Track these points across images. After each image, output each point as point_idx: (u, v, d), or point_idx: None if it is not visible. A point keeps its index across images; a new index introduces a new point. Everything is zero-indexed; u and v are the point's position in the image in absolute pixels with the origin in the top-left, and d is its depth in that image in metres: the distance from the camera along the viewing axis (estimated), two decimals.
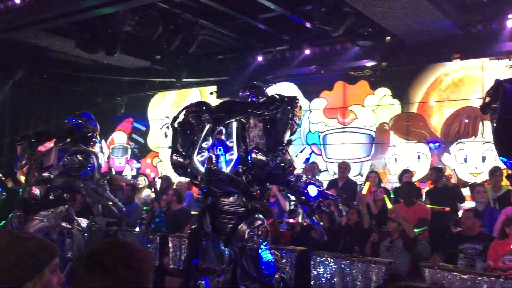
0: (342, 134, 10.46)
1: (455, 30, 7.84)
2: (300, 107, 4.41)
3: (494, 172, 7.27)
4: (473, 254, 5.63)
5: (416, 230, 6.61)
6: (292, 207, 8.33)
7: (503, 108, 3.59)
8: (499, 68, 8.60)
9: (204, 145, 4.50)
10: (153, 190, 9.49)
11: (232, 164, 4.34)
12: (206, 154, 4.45)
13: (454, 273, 5.26)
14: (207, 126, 4.52)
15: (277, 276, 4.26)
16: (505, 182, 7.17)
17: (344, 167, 8.81)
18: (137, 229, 7.95)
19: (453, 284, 5.24)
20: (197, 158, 4.48)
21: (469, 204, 7.52)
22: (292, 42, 9.68)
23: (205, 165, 4.36)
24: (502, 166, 6.66)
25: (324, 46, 9.59)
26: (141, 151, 13.46)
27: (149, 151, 13.28)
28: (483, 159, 8.81)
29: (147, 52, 10.35)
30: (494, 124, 3.64)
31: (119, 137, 13.84)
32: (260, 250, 4.20)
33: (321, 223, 4.45)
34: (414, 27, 7.71)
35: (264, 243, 4.24)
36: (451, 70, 9.33)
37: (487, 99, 3.72)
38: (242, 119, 4.36)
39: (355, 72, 9.95)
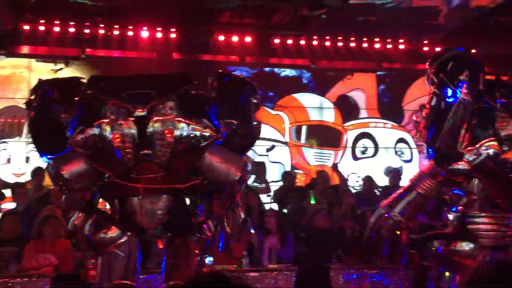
0: None
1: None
2: None
3: (36, 172, 7.38)
4: (8, 256, 5.55)
5: None
6: None
7: (38, 107, 3.77)
8: (46, 70, 8.85)
9: None
10: None
11: None
12: None
13: None
14: None
15: None
16: (47, 182, 7.36)
17: None
18: None
19: None
20: None
21: (11, 205, 7.37)
22: None
23: None
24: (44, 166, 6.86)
25: None
26: None
27: None
28: (27, 159, 8.82)
29: None
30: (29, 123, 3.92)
31: None
32: None
33: None
34: None
35: None
36: None
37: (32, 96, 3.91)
38: None
39: None
